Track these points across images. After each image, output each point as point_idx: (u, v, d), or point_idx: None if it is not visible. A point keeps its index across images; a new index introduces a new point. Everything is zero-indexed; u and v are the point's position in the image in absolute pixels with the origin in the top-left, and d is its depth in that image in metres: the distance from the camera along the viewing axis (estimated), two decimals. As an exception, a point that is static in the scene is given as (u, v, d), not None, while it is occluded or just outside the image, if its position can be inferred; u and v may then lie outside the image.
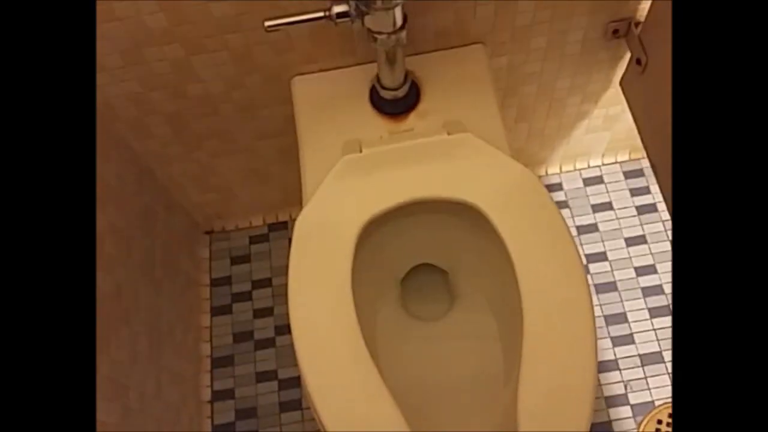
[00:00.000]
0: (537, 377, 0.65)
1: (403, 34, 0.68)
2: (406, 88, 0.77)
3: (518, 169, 0.73)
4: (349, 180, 0.74)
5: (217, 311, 1.13)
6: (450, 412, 0.80)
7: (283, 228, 1.19)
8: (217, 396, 1.08)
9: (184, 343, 1.04)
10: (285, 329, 1.10)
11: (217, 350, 1.11)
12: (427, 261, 0.89)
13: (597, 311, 1.08)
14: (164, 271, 0.99)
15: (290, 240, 0.76)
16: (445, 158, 0.74)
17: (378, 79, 0.77)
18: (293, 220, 1.15)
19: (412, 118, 0.79)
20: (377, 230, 0.78)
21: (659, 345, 1.04)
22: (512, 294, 0.76)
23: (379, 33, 0.67)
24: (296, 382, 1.07)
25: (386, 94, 0.77)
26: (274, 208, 1.18)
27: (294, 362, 1.06)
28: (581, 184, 1.17)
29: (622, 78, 0.92)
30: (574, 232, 1.13)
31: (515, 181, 0.73)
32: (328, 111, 0.81)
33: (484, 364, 0.82)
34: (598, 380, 1.03)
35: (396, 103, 0.78)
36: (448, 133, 0.75)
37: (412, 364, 0.85)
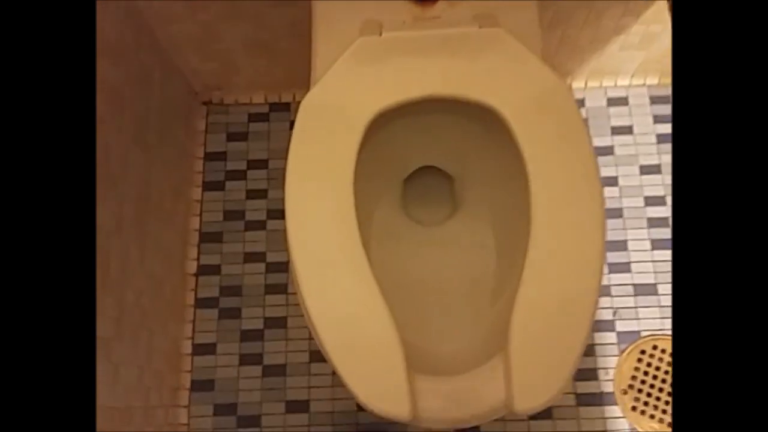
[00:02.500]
0: (535, 294, 0.63)
1: None
2: (438, -32, 0.69)
3: (549, 77, 0.67)
4: (365, 64, 0.68)
5: (209, 186, 1.10)
6: (436, 318, 0.79)
7: (285, 110, 1.13)
8: (203, 270, 1.06)
9: (173, 215, 1.01)
10: (277, 214, 1.07)
11: (207, 225, 1.08)
12: (435, 164, 0.84)
13: (597, 236, 1.05)
14: (157, 138, 0.94)
15: (292, 123, 0.71)
16: (471, 54, 0.68)
17: (409, -46, 0.69)
18: (297, 103, 1.10)
19: (441, 5, 0.72)
20: (387, 123, 0.73)
21: (655, 277, 1.02)
22: (519, 209, 0.73)
23: None
24: (284, 266, 1.05)
25: (416, -27, 0.70)
26: (278, 87, 1.11)
27: (283, 247, 1.05)
28: (604, 104, 1.10)
29: (673, -9, 0.84)
30: (587, 152, 1.08)
31: (544, 89, 0.67)
32: (350, -16, 0.73)
33: (475, 277, 0.80)
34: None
35: (425, -15, 0.71)
36: (479, 27, 0.68)
37: (403, 265, 0.83)
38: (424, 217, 0.86)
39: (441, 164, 0.85)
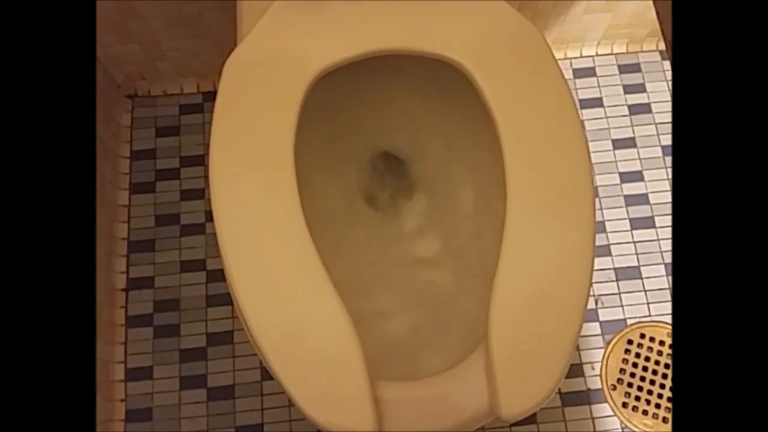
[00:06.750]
0: (517, 278, 0.53)
1: None
2: None
3: (515, 20, 0.58)
4: (301, 13, 0.57)
5: (137, 188, 0.97)
6: (398, 310, 0.68)
7: (222, 97, 1.01)
8: (134, 284, 0.93)
9: (96, 222, 0.88)
10: (217, 214, 0.95)
11: (136, 233, 0.95)
12: (388, 144, 0.73)
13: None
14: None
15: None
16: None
17: None
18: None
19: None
20: (329, 85, 0.62)
21: (638, 259, 0.94)
22: (491, 185, 0.63)
23: None
24: (227, 275, 0.93)
25: None
26: (210, 73, 1.00)
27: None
28: (571, 75, 1.02)
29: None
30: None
31: (510, 34, 0.58)
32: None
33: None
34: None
35: None
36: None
37: (357, 254, 0.72)
38: (379, 200, 0.75)
39: (394, 141, 0.74)
